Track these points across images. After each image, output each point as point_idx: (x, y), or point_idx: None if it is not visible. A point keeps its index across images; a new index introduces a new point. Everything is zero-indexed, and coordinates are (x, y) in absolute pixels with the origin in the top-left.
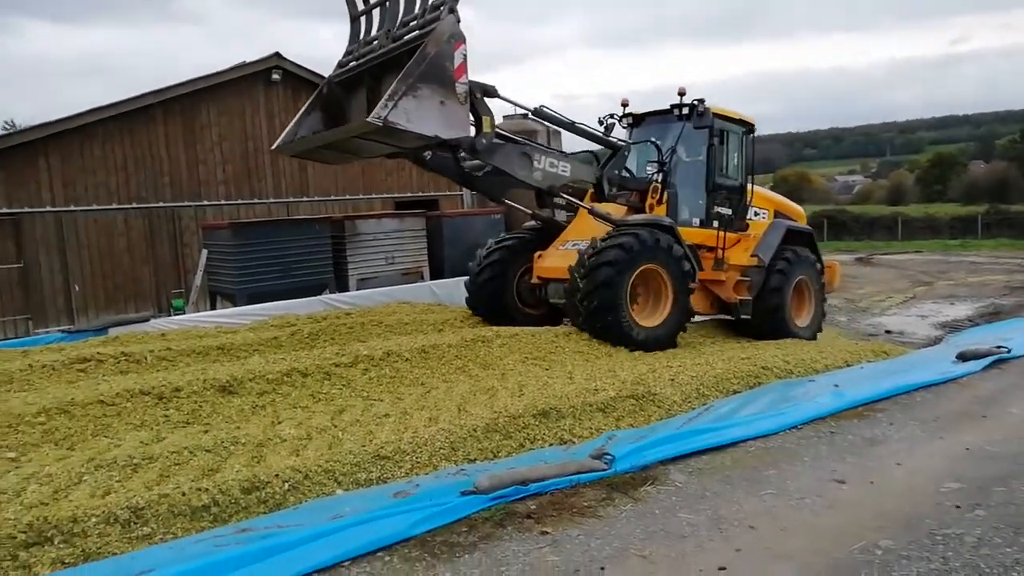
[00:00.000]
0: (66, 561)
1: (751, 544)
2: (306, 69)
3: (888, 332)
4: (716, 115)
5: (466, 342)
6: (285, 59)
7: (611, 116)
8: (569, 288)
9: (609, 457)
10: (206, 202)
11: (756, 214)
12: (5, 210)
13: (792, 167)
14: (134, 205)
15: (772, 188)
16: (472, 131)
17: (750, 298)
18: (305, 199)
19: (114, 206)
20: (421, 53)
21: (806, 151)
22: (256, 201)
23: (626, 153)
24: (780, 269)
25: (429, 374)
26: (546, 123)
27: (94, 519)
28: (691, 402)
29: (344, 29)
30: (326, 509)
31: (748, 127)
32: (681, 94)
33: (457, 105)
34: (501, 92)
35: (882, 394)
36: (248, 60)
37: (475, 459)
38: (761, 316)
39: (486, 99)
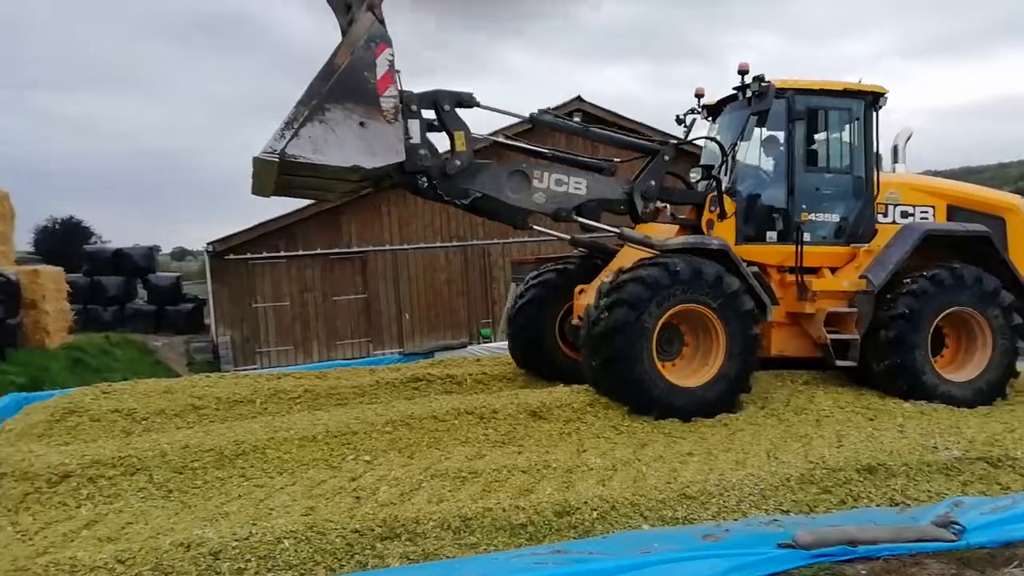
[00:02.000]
0: (411, 557)
1: None
2: (604, 109)
3: None
4: (796, 90)
5: (773, 385)
6: (585, 101)
7: (692, 111)
8: (583, 335)
9: (958, 527)
10: (513, 239)
11: (907, 215)
12: (355, 248)
13: None
14: (453, 243)
15: None
16: (402, 153)
17: (856, 337)
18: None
19: (438, 244)
20: (328, 66)
21: None
22: (565, 236)
23: (667, 157)
24: (908, 293)
25: (735, 415)
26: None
27: (431, 523)
28: None
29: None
30: (635, 542)
31: (865, 98)
32: (742, 72)
33: (383, 125)
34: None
35: None
36: (551, 106)
37: (788, 510)
38: (875, 363)
39: (459, 111)
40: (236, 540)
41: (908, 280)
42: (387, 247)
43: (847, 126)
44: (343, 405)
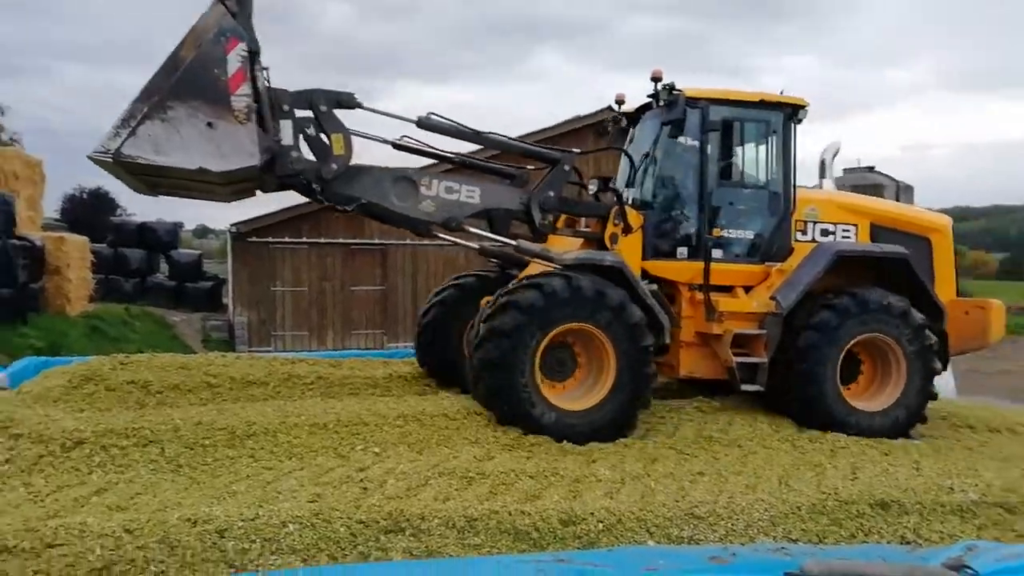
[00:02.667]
0: (414, 553)
1: None
2: None
3: None
4: (711, 100)
5: None
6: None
7: (615, 119)
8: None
9: (970, 572)
10: None
11: (827, 233)
12: (377, 240)
13: None
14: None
15: None
16: (256, 156)
17: (763, 360)
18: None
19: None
20: (171, 59)
21: None
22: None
23: (567, 167)
24: (815, 323)
25: (747, 436)
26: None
27: (436, 520)
28: None
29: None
30: (639, 558)
31: (784, 110)
32: (655, 79)
33: (233, 126)
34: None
35: None
36: (582, 113)
37: (797, 539)
38: (784, 389)
39: (339, 112)
40: (242, 520)
41: (810, 312)
42: (408, 241)
43: (764, 139)
44: (355, 395)
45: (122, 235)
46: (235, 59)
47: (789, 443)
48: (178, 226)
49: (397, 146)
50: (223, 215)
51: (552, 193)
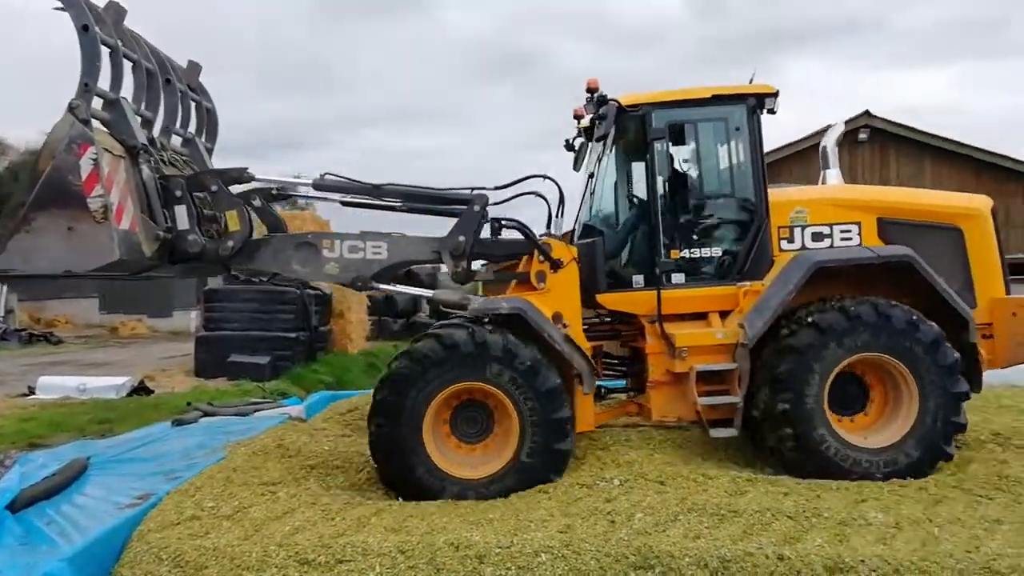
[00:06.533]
0: None
1: None
2: (898, 124)
3: None
4: (652, 104)
5: None
6: (875, 116)
7: (579, 134)
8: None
9: None
10: None
11: (821, 237)
12: None
13: None
14: None
15: None
16: (115, 252)
17: (736, 400)
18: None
19: None
20: (30, 174)
21: None
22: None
23: (476, 208)
24: (790, 346)
25: None
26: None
27: (687, 559)
28: None
29: None
30: None
31: (745, 101)
32: (591, 91)
33: (92, 226)
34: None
35: None
36: (832, 123)
37: None
38: (762, 430)
39: (235, 188)
40: (499, 547)
41: (785, 330)
42: None
43: (725, 139)
44: None
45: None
46: (87, 163)
47: None
48: (436, 270)
49: (344, 203)
50: None
51: (462, 238)
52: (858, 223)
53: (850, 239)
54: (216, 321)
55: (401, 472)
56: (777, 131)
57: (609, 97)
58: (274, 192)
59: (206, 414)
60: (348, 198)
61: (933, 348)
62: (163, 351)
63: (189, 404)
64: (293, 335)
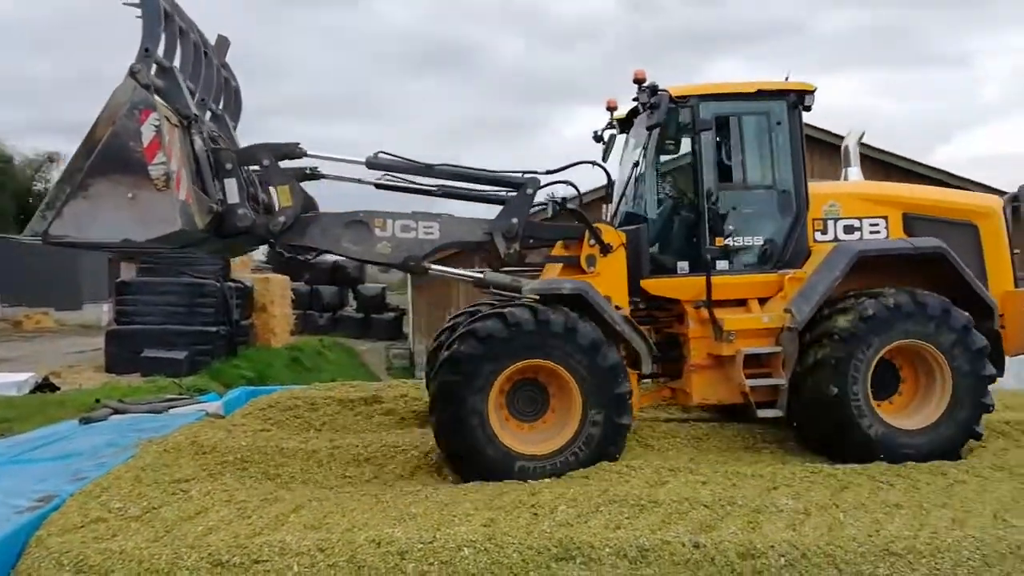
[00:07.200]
0: None
1: None
2: (813, 127)
3: None
4: (701, 97)
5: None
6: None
7: (609, 126)
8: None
9: None
10: None
11: (852, 230)
12: None
13: None
14: None
15: None
16: (177, 223)
17: (782, 382)
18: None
19: None
20: (88, 139)
21: None
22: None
23: (529, 191)
24: (836, 332)
25: (954, 463)
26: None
27: (607, 549)
28: None
29: None
30: None
31: (786, 98)
32: (638, 81)
33: (154, 194)
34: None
35: None
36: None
37: None
38: (805, 413)
39: (283, 164)
40: (422, 543)
41: (829, 320)
42: None
43: (767, 133)
44: None
45: (317, 273)
46: (149, 129)
47: (1006, 471)
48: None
49: (379, 186)
50: None
51: (515, 220)
52: (885, 217)
53: (878, 232)
54: (129, 314)
55: (470, 452)
56: None
57: (659, 87)
58: (308, 172)
59: (116, 411)
60: (383, 180)
61: (964, 334)
62: (71, 346)
63: (98, 401)
64: (213, 329)
